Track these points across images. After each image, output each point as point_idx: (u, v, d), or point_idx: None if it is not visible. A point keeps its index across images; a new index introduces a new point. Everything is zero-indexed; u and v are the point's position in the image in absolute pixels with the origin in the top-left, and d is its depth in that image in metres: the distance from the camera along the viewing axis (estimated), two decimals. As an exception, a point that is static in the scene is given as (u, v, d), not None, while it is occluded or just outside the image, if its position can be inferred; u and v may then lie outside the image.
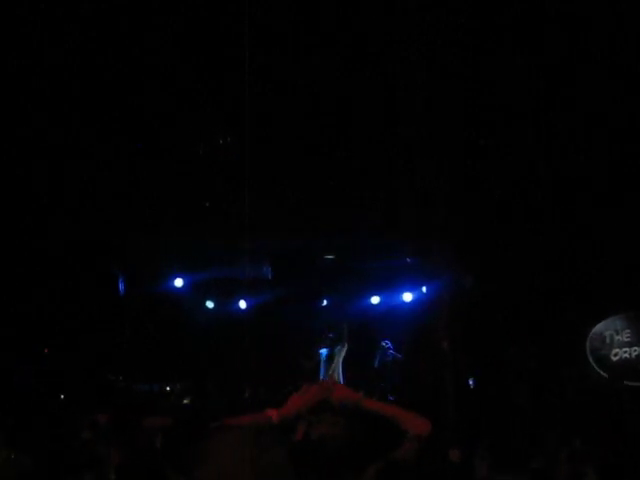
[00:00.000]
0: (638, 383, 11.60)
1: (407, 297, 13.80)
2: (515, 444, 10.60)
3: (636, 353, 11.88)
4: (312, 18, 10.78)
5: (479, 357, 12.26)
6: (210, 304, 14.23)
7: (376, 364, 13.86)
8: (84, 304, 12.39)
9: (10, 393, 10.83)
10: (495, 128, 11.71)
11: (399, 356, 13.62)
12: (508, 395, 12.04)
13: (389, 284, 13.87)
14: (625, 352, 11.95)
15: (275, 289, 13.88)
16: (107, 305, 12.96)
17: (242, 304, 14.07)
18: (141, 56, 10.90)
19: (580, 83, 10.82)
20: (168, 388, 13.48)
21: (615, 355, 12.00)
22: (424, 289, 13.01)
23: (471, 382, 12.62)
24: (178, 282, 13.84)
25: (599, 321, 12.17)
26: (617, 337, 12.02)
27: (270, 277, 13.90)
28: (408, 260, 13.21)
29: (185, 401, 12.55)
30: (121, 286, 13.33)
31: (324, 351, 13.64)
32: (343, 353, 13.62)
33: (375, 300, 14.24)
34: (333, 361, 13.56)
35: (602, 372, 11.94)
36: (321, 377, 13.41)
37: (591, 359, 12.08)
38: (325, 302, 14.52)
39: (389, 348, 13.76)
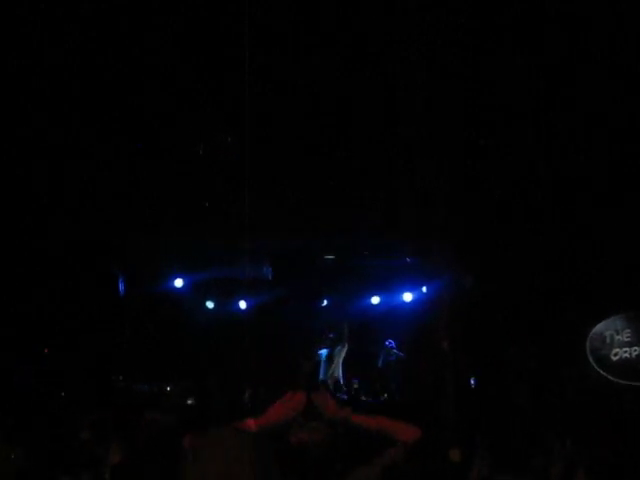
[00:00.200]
0: (638, 383, 11.60)
1: (407, 297, 13.81)
2: (515, 444, 10.58)
3: (636, 353, 11.88)
4: (312, 18, 10.76)
5: (479, 357, 12.26)
6: (210, 304, 14.25)
7: (380, 364, 13.88)
8: (84, 304, 12.40)
9: (10, 393, 10.82)
10: (495, 128, 11.70)
11: (403, 356, 13.63)
12: (508, 395, 12.03)
13: (389, 284, 13.89)
14: (625, 352, 11.95)
15: (275, 289, 13.89)
16: (107, 305, 12.97)
17: (242, 304, 14.08)
18: (141, 56, 10.89)
19: (580, 83, 10.81)
20: (168, 388, 13.47)
21: (615, 355, 11.99)
22: (424, 289, 13.01)
23: (473, 382, 12.62)
24: (178, 282, 13.86)
25: (599, 321, 12.17)
26: (617, 337, 12.01)
27: (270, 277, 13.91)
28: (408, 260, 13.21)
29: (189, 401, 12.54)
30: (121, 286, 13.35)
31: (324, 351, 13.65)
32: (343, 353, 13.64)
33: (375, 300, 14.25)
34: (333, 361, 13.57)
35: (602, 372, 11.94)
36: (321, 377, 13.42)
37: (591, 359, 12.08)
38: (325, 302, 14.53)
39: (393, 348, 13.77)
